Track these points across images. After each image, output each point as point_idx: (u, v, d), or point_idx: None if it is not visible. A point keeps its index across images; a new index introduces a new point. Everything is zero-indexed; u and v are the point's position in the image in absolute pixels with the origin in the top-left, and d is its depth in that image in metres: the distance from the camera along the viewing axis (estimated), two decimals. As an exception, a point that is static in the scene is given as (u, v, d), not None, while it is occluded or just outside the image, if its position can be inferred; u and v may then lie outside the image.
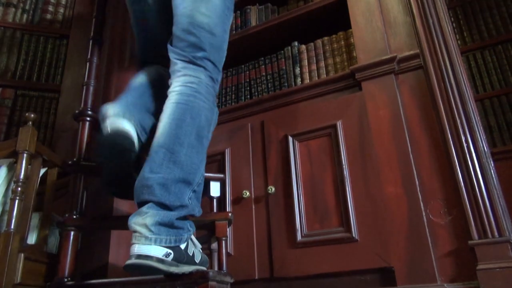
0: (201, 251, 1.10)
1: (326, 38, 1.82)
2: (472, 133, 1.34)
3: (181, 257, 0.99)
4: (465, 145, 1.32)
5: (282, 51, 1.90)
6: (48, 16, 2.28)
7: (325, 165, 1.53)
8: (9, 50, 2.13)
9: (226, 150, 1.73)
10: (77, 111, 1.41)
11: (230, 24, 1.29)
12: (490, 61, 2.38)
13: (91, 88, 1.43)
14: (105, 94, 1.85)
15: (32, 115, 1.35)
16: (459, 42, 2.53)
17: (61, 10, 2.32)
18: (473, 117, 1.38)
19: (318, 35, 1.86)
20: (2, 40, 2.14)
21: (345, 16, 1.71)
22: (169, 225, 0.97)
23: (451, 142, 1.33)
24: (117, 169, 1.13)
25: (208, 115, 1.11)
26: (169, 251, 0.95)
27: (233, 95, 1.93)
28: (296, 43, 1.88)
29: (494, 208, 1.22)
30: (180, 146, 1.02)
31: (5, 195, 1.35)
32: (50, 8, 2.30)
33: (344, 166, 1.48)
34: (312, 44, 1.84)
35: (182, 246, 1.00)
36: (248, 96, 1.91)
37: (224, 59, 1.24)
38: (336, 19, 1.83)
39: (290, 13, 1.89)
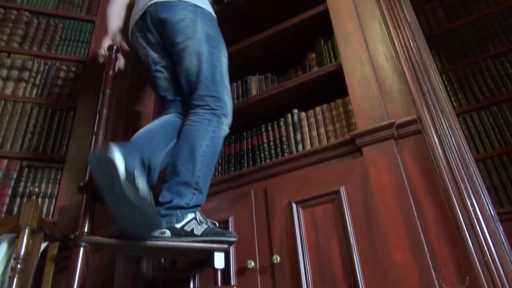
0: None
1: (325, 105, 1.87)
2: (477, 197, 1.33)
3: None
4: (471, 209, 1.30)
5: (283, 118, 1.95)
6: (57, 90, 2.38)
7: (331, 232, 1.51)
8: (18, 123, 2.20)
9: (230, 218, 1.71)
10: (81, 183, 1.41)
11: (223, 52, 1.62)
12: (487, 122, 2.43)
13: (96, 161, 1.45)
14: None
15: (36, 189, 1.36)
16: (454, 104, 2.60)
17: (70, 83, 2.43)
18: (476, 180, 1.38)
19: (317, 102, 1.92)
20: (12, 114, 2.21)
21: (342, 83, 1.78)
22: None
23: (457, 207, 1.32)
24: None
25: (202, 134, 1.45)
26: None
27: (235, 162, 1.95)
28: (296, 111, 1.93)
29: (508, 275, 1.17)
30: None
31: (4, 272, 1.32)
32: (59, 82, 2.40)
33: (350, 233, 1.45)
34: (311, 111, 1.89)
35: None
36: (251, 163, 1.92)
37: (221, 79, 1.55)
38: (333, 87, 1.90)
39: (290, 82, 1.97)
